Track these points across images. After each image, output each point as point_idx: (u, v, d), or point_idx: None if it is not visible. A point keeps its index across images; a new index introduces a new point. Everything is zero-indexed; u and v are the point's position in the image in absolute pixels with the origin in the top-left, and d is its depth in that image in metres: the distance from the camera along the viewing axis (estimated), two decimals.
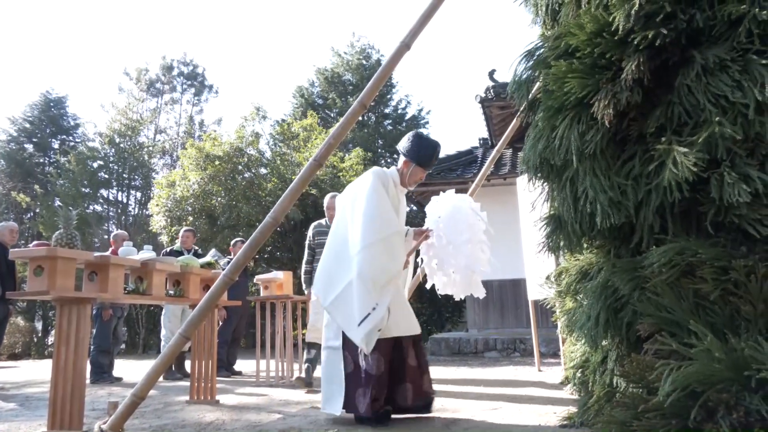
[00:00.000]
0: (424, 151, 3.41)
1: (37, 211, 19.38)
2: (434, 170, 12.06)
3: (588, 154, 1.97)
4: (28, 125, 21.81)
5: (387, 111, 23.45)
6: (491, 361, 8.70)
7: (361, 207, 3.15)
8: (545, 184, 2.39)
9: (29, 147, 21.76)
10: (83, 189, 18.86)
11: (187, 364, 7.41)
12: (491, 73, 10.98)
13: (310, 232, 5.27)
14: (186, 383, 5.81)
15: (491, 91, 10.40)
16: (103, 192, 20.21)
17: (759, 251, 1.72)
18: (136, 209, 21.05)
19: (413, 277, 4.61)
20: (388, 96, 23.19)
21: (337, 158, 15.33)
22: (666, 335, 1.75)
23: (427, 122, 23.80)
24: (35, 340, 16.62)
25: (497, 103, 10.39)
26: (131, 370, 8.00)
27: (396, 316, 3.16)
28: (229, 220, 13.07)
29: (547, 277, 3.83)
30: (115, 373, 6.71)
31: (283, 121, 18.68)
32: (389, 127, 23.15)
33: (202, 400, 4.36)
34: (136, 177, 20.80)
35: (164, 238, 13.54)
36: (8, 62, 41.03)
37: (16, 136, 21.53)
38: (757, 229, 1.71)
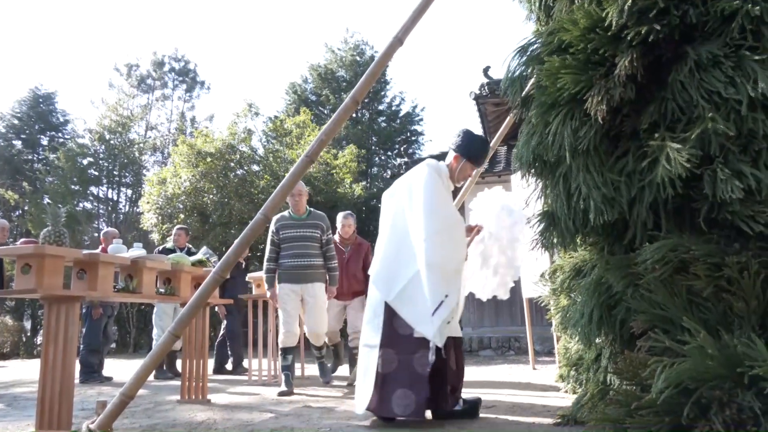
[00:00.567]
0: (475, 146, 3.40)
1: (26, 208, 19.28)
2: None
3: (581, 150, 1.98)
4: (16, 121, 21.67)
5: (381, 108, 23.41)
6: (486, 360, 8.73)
7: (420, 198, 3.10)
8: (538, 180, 2.39)
9: (18, 143, 21.63)
10: (73, 186, 18.76)
11: (181, 364, 7.39)
12: (486, 70, 10.98)
13: (273, 227, 4.96)
14: (177, 383, 5.80)
15: (486, 88, 10.41)
16: (93, 189, 20.11)
17: (752, 248, 1.73)
18: (127, 207, 20.96)
19: None
20: (382, 93, 23.17)
21: (330, 155, 15.31)
22: (659, 332, 1.76)
23: (421, 119, 23.80)
24: (24, 339, 16.52)
25: (492, 100, 10.40)
26: (122, 369, 7.97)
27: None
28: (221, 218, 13.04)
29: (542, 275, 3.85)
30: (105, 372, 6.69)
31: (276, 117, 18.63)
32: (383, 124, 23.12)
33: (194, 400, 4.35)
34: (127, 174, 20.70)
35: (155, 236, 13.50)
36: None
37: (5, 133, 21.39)
38: (750, 225, 1.72)
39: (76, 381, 5.90)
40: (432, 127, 45.12)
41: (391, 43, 2.86)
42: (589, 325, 2.17)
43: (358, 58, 22.61)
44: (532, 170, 2.33)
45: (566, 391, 4.04)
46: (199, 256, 4.68)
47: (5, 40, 42.57)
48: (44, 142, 22.09)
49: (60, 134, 22.60)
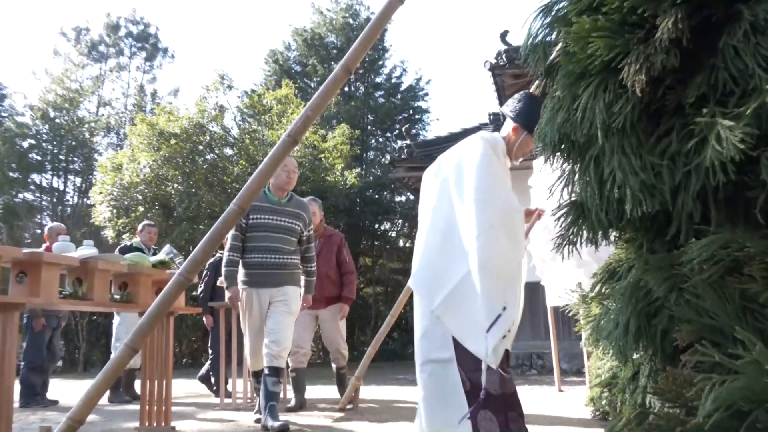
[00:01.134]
0: (539, 114, 3.16)
1: None
2: (436, 151, 12.08)
3: (616, 129, 1.98)
4: None
5: (378, 80, 23.42)
6: None
7: (472, 181, 2.92)
8: (565, 164, 2.39)
9: None
10: (11, 174, 18.74)
11: (140, 384, 7.41)
12: (503, 35, 10.97)
13: None
14: (135, 407, 5.81)
15: (503, 56, 10.40)
16: (35, 177, 20.09)
17: None
18: (75, 198, 20.97)
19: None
20: (380, 62, 23.17)
21: (317, 137, 15.32)
22: (707, 345, 1.76)
23: (426, 94, 23.86)
24: None
25: (510, 70, 10.39)
26: (69, 391, 7.99)
27: None
28: (187, 211, 13.05)
29: (578, 285, 3.82)
30: (50, 394, 6.72)
31: (253, 92, 18.63)
32: (381, 100, 23.14)
33: (155, 428, 4.36)
34: (75, 159, 20.68)
35: (109, 233, 13.52)
36: None
37: None
38: None
39: (16, 405, 5.91)
40: (439, 104, 45.16)
41: (391, 1, 2.85)
42: (625, 337, 2.18)
43: (350, 21, 22.57)
44: (558, 152, 2.33)
45: (598, 417, 4.06)
46: (161, 256, 4.68)
47: None
48: None
49: None
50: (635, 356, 2.36)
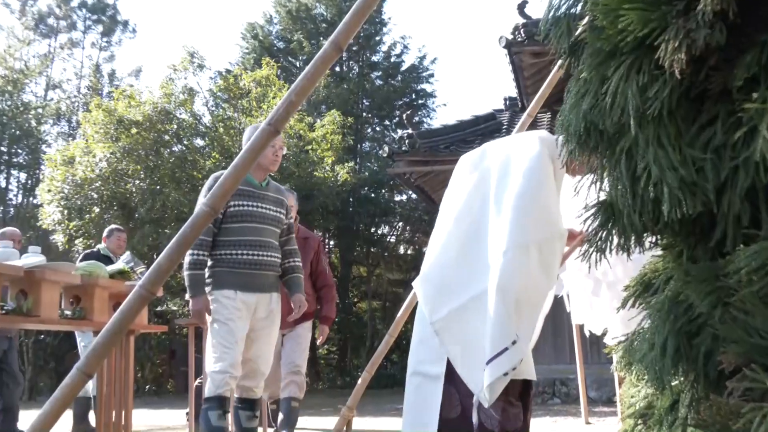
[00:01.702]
0: None
1: None
2: (443, 142, 12.11)
3: (651, 117, 1.98)
4: None
5: (375, 59, 23.49)
6: None
7: (517, 185, 2.90)
8: (592, 158, 2.40)
9: None
10: None
11: (95, 415, 7.40)
12: (521, 7, 11.00)
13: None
14: None
15: (521, 31, 10.43)
16: None
17: None
18: (19, 197, 20.95)
19: None
20: (377, 38, 23.23)
21: (304, 125, 15.35)
22: (758, 369, 1.77)
23: (431, 75, 23.91)
24: None
25: (530, 47, 10.42)
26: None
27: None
28: (151, 212, 13.06)
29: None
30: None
31: (228, 72, 18.67)
32: (378, 82, 23.21)
33: None
34: (20, 151, 20.67)
35: (59, 238, 13.51)
36: None
37: None
38: None
39: None
40: (446, 87, 45.23)
41: None
42: (662, 360, 2.18)
43: None
44: (584, 144, 2.33)
45: None
46: (119, 264, 4.69)
47: None
48: None
49: None
50: (674, 382, 2.36)
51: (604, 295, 4.36)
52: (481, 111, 13.56)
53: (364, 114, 22.66)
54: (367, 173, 20.28)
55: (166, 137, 14.07)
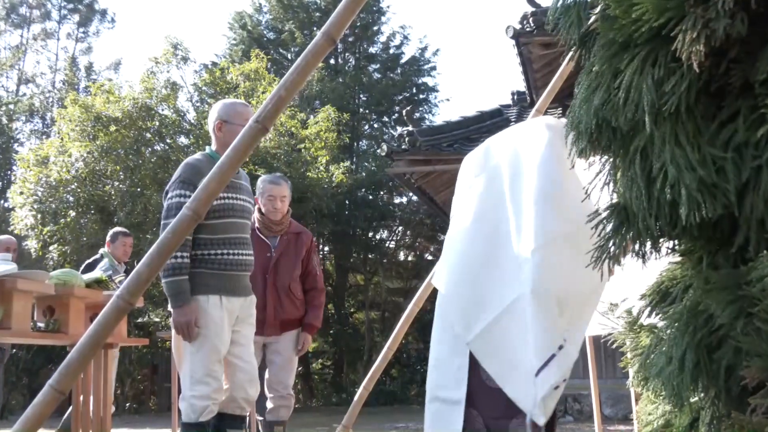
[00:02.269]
0: None
1: None
2: (446, 140, 12.12)
3: (668, 113, 1.98)
4: None
5: (373, 50, 23.51)
6: None
7: (533, 181, 2.88)
8: (604, 157, 2.40)
9: None
10: None
11: None
12: None
13: (185, 177, 4.05)
14: None
15: (530, 20, 10.43)
16: None
17: None
18: None
19: None
20: (375, 28, 23.27)
21: (296, 122, 15.36)
22: None
23: (433, 68, 23.94)
24: None
25: (539, 38, 10.42)
26: None
27: None
28: (131, 216, 13.05)
29: (612, 305, 3.83)
30: None
31: (215, 65, 18.68)
32: (376, 75, 23.23)
33: None
34: None
35: (32, 243, 13.50)
36: None
37: None
38: None
39: None
40: (449, 81, 45.25)
41: None
42: (680, 374, 2.18)
43: None
44: (595, 143, 2.33)
45: None
46: (96, 273, 4.69)
47: None
48: None
49: None
50: (693, 399, 2.36)
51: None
52: (487, 106, 13.61)
53: (361, 110, 22.67)
54: (364, 173, 20.27)
55: (148, 135, 14.07)
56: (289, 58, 21.67)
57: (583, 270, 2.66)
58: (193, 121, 15.33)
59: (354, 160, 21.53)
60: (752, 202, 1.91)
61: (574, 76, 3.00)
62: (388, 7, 23.69)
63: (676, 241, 2.38)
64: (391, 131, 21.91)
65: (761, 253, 1.91)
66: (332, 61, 22.29)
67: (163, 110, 14.59)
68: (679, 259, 2.47)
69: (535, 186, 2.86)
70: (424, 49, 23.79)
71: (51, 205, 13.40)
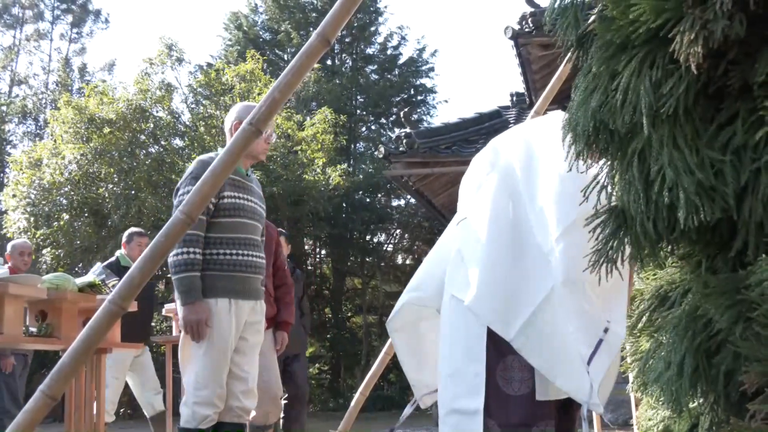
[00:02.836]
0: None
1: None
2: (444, 142, 12.12)
3: (666, 115, 1.98)
4: None
5: (370, 51, 23.51)
6: None
7: (548, 167, 2.89)
8: (602, 160, 2.40)
9: None
10: None
11: None
12: None
13: (196, 172, 3.95)
14: None
15: (529, 20, 10.45)
16: None
17: None
18: None
19: None
20: (372, 28, 23.26)
21: (292, 124, 15.36)
22: None
23: (431, 69, 23.93)
24: None
25: (538, 38, 10.44)
26: None
27: None
28: (125, 219, 13.04)
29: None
30: None
31: (210, 66, 18.70)
32: (373, 76, 23.23)
33: None
34: None
35: None
36: None
37: None
38: None
39: None
40: (448, 82, 45.29)
41: None
42: (679, 380, 2.18)
43: None
44: (592, 145, 2.33)
45: None
46: (89, 276, 4.69)
47: None
48: None
49: None
50: (692, 405, 2.36)
51: None
52: (486, 108, 13.61)
53: (358, 111, 22.66)
54: (361, 176, 20.28)
55: (142, 137, 14.07)
56: (286, 59, 21.65)
57: None
58: (187, 123, 15.34)
59: (351, 162, 21.53)
60: (751, 206, 1.91)
61: (573, 77, 3.00)
62: (385, 7, 23.69)
63: (675, 245, 2.39)
64: (389, 133, 21.92)
65: (760, 257, 1.91)
66: (329, 62, 22.29)
67: (157, 112, 14.59)
68: (678, 263, 2.48)
69: (550, 174, 2.87)
70: (422, 50, 23.79)
71: (44, 208, 13.39)
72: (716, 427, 2.23)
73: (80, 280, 4.59)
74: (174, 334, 6.25)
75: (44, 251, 13.26)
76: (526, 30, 10.46)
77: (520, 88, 12.60)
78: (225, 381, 3.93)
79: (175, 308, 5.90)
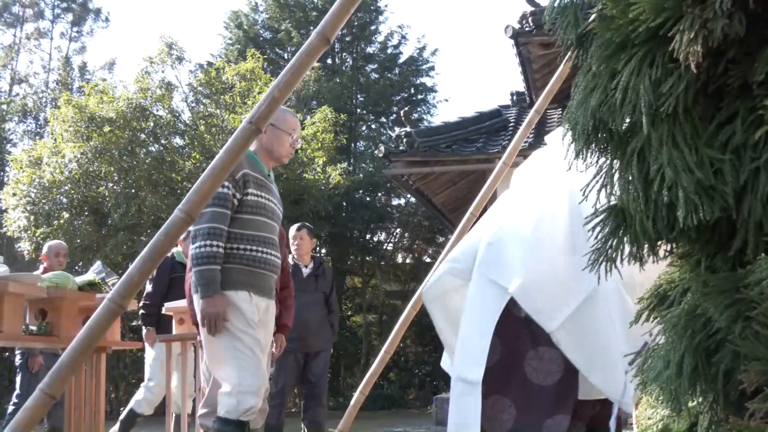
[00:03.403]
0: None
1: None
2: (444, 141, 12.11)
3: (665, 114, 1.98)
4: None
5: (370, 50, 23.50)
6: None
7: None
8: (601, 159, 2.40)
9: None
10: None
11: None
12: None
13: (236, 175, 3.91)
14: None
15: (529, 19, 10.44)
16: None
17: None
18: None
19: None
20: (373, 27, 23.25)
21: None
22: None
23: (431, 68, 23.92)
24: None
25: (539, 37, 10.43)
26: None
27: None
28: (125, 218, 13.04)
29: None
30: None
31: (210, 65, 18.69)
32: (373, 75, 23.21)
33: None
34: None
35: (25, 246, 13.48)
36: None
37: None
38: None
39: None
40: (448, 81, 45.28)
41: None
42: (678, 379, 2.18)
43: None
44: (592, 144, 2.33)
45: None
46: (89, 275, 4.69)
47: None
48: None
49: None
50: (691, 404, 2.36)
51: None
52: (486, 107, 13.57)
53: (359, 110, 22.64)
54: (361, 175, 20.27)
55: (142, 136, 14.06)
56: (286, 57, 21.63)
57: None
58: (188, 122, 15.32)
59: (351, 161, 21.53)
60: (750, 205, 1.91)
61: (573, 76, 3.00)
62: (386, 6, 23.65)
63: (674, 244, 2.38)
64: (389, 132, 21.92)
65: (759, 256, 1.91)
66: (329, 61, 22.28)
67: (157, 111, 14.57)
68: (677, 262, 2.48)
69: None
70: (422, 49, 23.77)
71: (44, 206, 13.37)
72: (715, 426, 2.23)
73: (80, 279, 4.59)
74: (174, 333, 6.23)
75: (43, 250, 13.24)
76: (527, 29, 10.46)
77: (521, 87, 12.61)
78: (262, 368, 3.88)
79: (174, 307, 5.93)
